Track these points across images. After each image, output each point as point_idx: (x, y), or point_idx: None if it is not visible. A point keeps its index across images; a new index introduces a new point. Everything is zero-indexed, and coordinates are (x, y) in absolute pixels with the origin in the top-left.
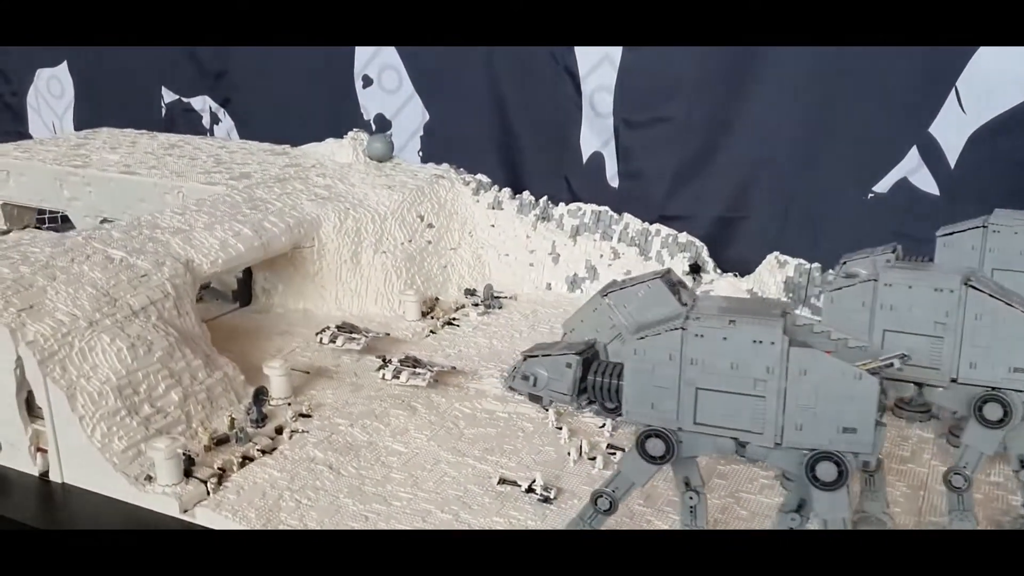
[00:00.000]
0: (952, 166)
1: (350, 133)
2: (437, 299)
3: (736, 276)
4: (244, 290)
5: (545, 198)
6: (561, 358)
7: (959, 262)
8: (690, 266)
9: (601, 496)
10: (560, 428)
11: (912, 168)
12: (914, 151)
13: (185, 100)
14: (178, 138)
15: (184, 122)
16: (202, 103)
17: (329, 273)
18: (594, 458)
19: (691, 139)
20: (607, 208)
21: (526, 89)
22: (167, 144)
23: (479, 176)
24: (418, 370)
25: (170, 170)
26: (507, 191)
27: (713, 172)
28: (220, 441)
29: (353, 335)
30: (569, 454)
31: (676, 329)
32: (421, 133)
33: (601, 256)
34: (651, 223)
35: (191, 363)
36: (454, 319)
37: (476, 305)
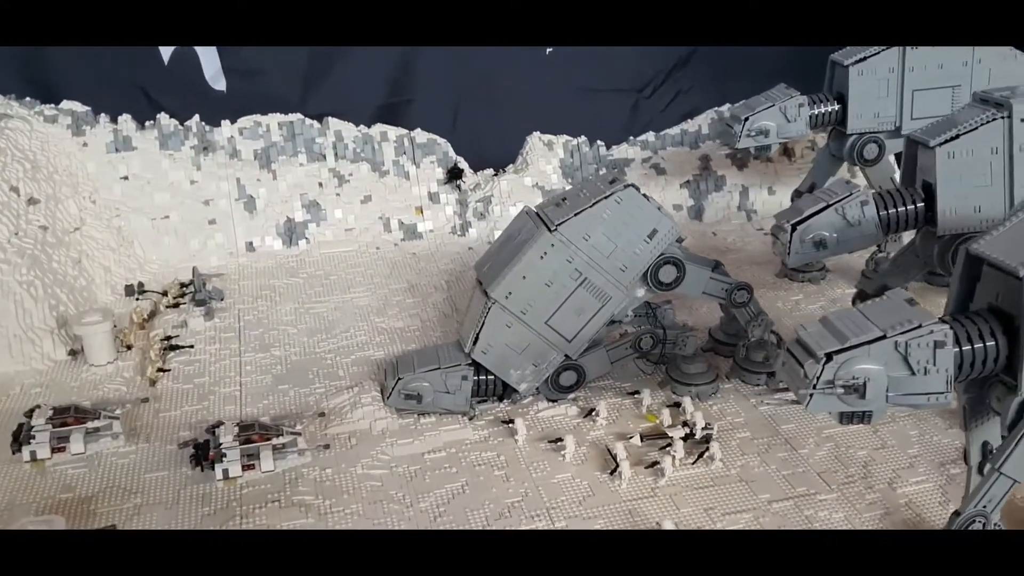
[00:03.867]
0: None
1: None
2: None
3: (503, 172)
4: None
5: (197, 118)
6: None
7: (877, 88)
8: (449, 171)
9: (973, 521)
10: (558, 441)
11: None
12: None
13: None
14: None
15: None
16: None
17: None
18: (655, 464)
19: None
20: (300, 116)
21: None
22: None
23: (68, 104)
24: (278, 441)
25: None
26: (128, 119)
27: (358, 57)
28: None
29: (88, 422)
30: (616, 470)
31: None
32: None
33: (321, 185)
34: (368, 125)
35: None
36: (173, 340)
37: (175, 305)
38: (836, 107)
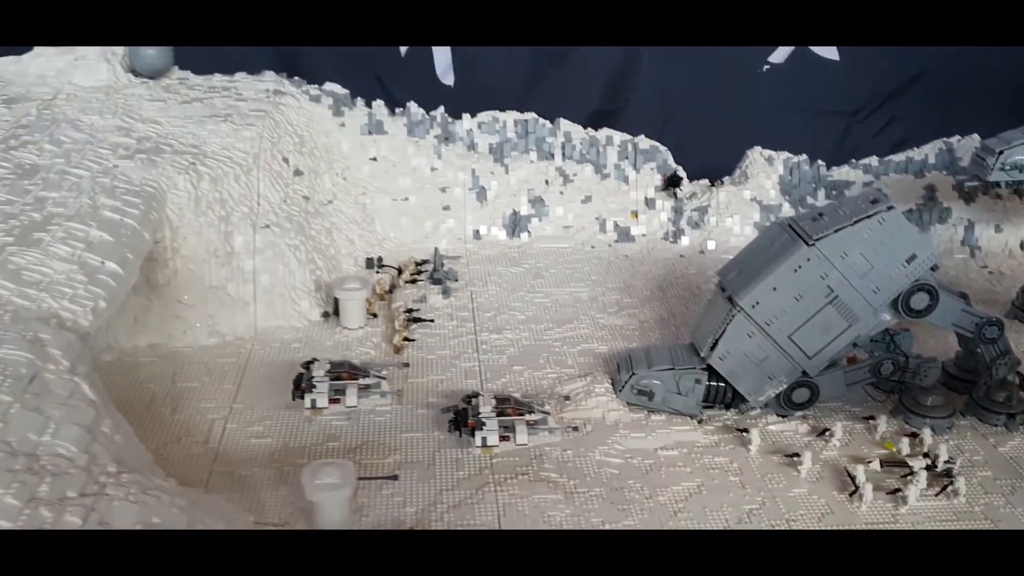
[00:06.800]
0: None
1: None
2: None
3: (720, 183)
4: None
5: (442, 109)
6: None
7: None
8: (667, 179)
9: None
10: (794, 456)
11: None
12: None
13: None
14: None
15: None
16: None
17: (190, 277)
18: (897, 491)
19: None
20: (534, 115)
21: None
22: None
23: (330, 86)
24: (531, 417)
25: None
26: (381, 105)
27: (580, 56)
28: None
29: (360, 379)
30: (856, 492)
31: None
32: None
33: (547, 183)
34: (595, 128)
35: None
36: (415, 312)
37: (412, 281)
38: None
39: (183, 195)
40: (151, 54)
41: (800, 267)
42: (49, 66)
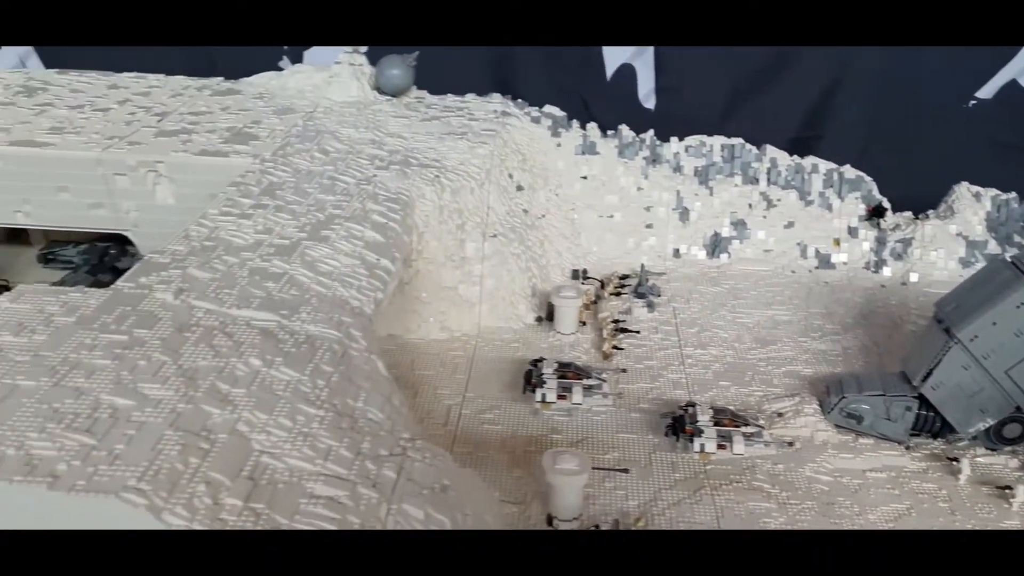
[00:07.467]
0: None
1: (343, 56)
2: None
3: (924, 217)
4: None
5: (651, 132)
6: None
7: None
8: (872, 209)
9: None
10: (1006, 488)
11: (1023, 68)
12: None
13: None
14: None
15: None
16: None
17: (429, 278)
18: None
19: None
20: (741, 140)
21: None
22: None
23: (549, 108)
24: (747, 429)
25: (90, 131)
26: (594, 127)
27: (779, 84)
28: None
29: (583, 379)
30: None
31: None
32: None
33: (750, 206)
34: (801, 155)
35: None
36: (622, 323)
37: (616, 294)
38: None
39: (429, 204)
40: (395, 74)
41: (1023, 304)
42: (307, 82)
